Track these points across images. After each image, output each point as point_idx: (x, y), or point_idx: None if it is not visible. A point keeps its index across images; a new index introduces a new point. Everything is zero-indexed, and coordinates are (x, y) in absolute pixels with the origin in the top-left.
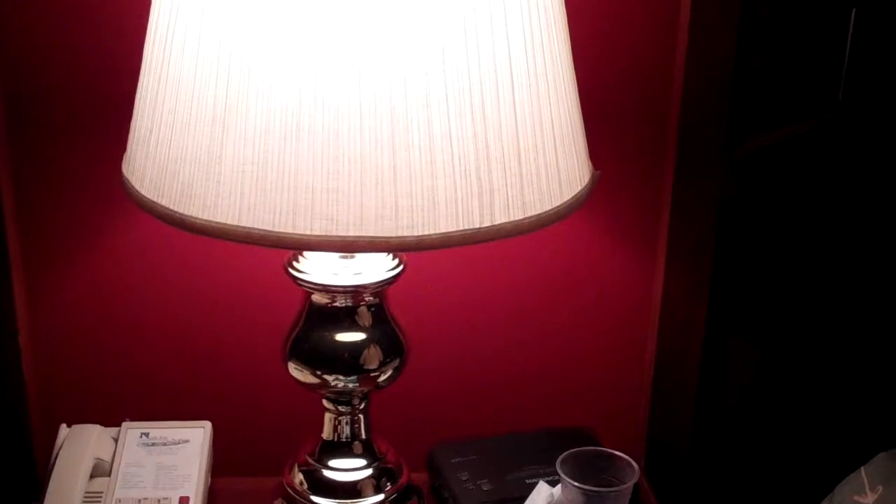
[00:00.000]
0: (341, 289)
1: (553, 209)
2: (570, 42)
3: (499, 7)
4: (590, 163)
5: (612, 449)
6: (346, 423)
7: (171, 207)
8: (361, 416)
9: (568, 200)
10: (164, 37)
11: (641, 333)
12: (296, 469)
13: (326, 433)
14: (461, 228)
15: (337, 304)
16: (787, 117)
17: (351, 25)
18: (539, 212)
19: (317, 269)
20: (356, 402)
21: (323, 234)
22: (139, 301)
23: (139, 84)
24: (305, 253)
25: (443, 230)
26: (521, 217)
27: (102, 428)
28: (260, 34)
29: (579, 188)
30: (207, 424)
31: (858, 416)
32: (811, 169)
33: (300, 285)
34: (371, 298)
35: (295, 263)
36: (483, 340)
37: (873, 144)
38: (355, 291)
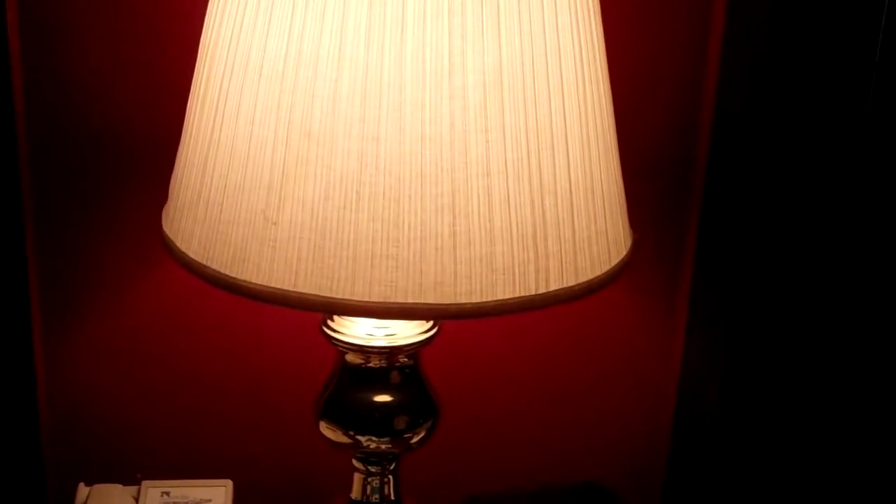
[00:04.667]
0: (376, 350)
1: (604, 274)
2: (613, 107)
3: (556, 73)
4: (630, 227)
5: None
6: (377, 483)
7: (223, 271)
8: (391, 477)
9: (616, 265)
10: (214, 100)
11: (662, 391)
12: None
13: (356, 493)
14: (518, 295)
15: (371, 364)
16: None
17: (413, 93)
18: (591, 277)
19: (352, 329)
20: (387, 462)
21: (382, 300)
22: (159, 356)
23: (183, 145)
24: None
25: (500, 297)
26: (573, 283)
27: (123, 487)
28: (320, 99)
29: (625, 252)
30: (229, 483)
31: (874, 462)
32: (829, 238)
33: (334, 345)
34: (405, 360)
35: (330, 323)
36: (508, 398)
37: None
38: (390, 352)
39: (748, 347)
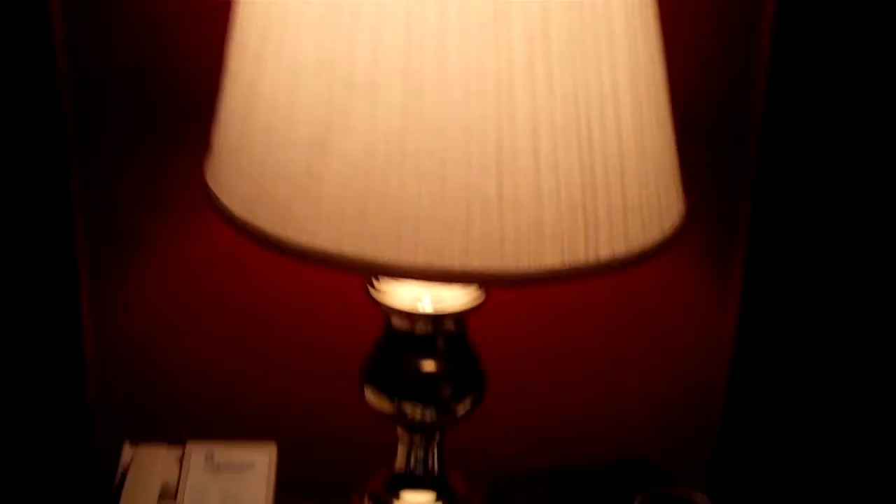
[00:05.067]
0: (422, 315)
1: (656, 242)
2: (666, 71)
3: (604, 34)
4: (683, 193)
5: (678, 482)
6: (421, 455)
7: (267, 228)
8: (436, 449)
9: (669, 232)
10: (256, 50)
11: (713, 365)
12: (366, 499)
13: (399, 463)
14: (566, 262)
15: (416, 330)
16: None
17: (460, 48)
18: (642, 244)
19: (397, 292)
20: (431, 434)
21: (427, 264)
22: (207, 313)
23: (224, 94)
24: None
25: (548, 264)
26: (624, 251)
27: (168, 449)
28: (363, 52)
29: (678, 218)
30: (273, 446)
31: None
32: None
33: (379, 307)
34: (452, 327)
35: (376, 284)
36: (555, 369)
37: None
38: (436, 318)
39: (805, 319)
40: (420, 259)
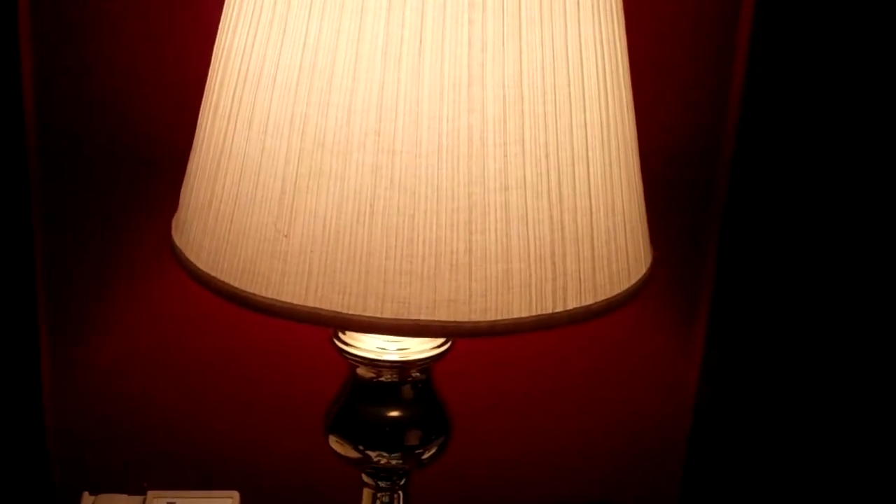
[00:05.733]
0: (388, 364)
1: (623, 292)
2: (636, 126)
3: (577, 87)
4: (650, 244)
5: None
6: (386, 499)
7: (232, 283)
8: (401, 493)
9: (635, 283)
10: (227, 108)
11: (677, 410)
12: None
13: None
14: (534, 314)
15: (382, 378)
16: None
17: (430, 105)
18: (609, 295)
19: (363, 342)
20: (396, 478)
21: (394, 317)
22: (167, 364)
23: (194, 153)
24: None
25: (516, 315)
26: (591, 301)
27: (128, 497)
28: (335, 110)
29: (644, 269)
30: (235, 495)
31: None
32: (854, 255)
33: (345, 358)
34: (418, 374)
35: (341, 335)
36: (521, 414)
37: None
38: (402, 367)
39: (766, 369)
40: (387, 312)
